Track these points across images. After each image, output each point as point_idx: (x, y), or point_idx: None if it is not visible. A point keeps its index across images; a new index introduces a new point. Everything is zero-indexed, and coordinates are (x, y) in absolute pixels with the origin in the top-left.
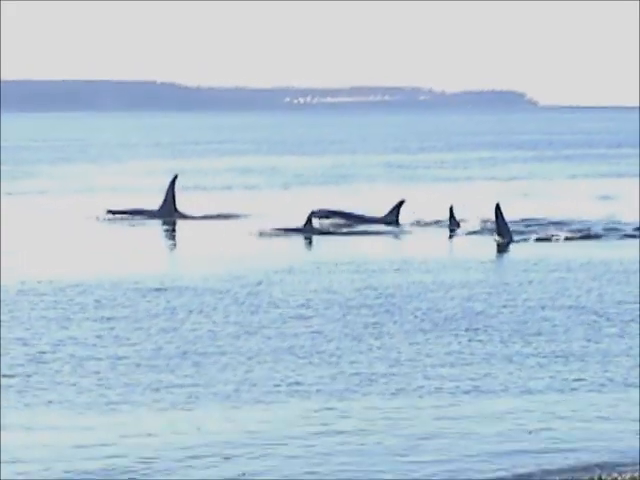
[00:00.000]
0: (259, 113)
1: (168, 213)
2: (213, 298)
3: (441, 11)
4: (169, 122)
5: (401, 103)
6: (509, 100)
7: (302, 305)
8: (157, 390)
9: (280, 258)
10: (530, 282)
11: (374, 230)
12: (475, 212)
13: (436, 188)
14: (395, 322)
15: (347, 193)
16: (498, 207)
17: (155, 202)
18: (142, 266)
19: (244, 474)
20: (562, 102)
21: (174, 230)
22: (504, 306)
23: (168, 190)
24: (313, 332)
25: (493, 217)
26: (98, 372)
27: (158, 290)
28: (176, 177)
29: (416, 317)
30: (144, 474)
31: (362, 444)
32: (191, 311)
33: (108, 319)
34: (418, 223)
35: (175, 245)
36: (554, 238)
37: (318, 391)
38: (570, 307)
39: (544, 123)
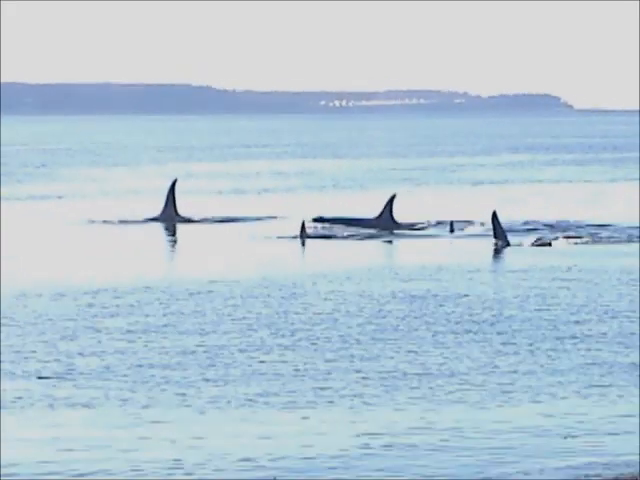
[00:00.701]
0: (295, 116)
1: (169, 218)
2: (243, 302)
3: (477, 14)
4: (205, 125)
5: (437, 106)
6: (544, 103)
7: (333, 310)
8: (184, 395)
9: (311, 262)
10: (562, 288)
11: (403, 234)
12: (512, 215)
13: (472, 191)
14: (426, 327)
15: (383, 196)
16: (495, 214)
17: (191, 204)
18: (171, 270)
19: (274, 478)
20: (597, 105)
21: (174, 235)
22: (536, 310)
23: (168, 194)
24: (342, 336)
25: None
26: (126, 375)
27: (190, 294)
28: (175, 181)
29: (448, 322)
30: (170, 475)
31: (389, 446)
32: (221, 315)
33: (138, 323)
34: (453, 227)
35: (197, 249)
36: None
37: (346, 395)
38: (604, 313)
39: (580, 126)
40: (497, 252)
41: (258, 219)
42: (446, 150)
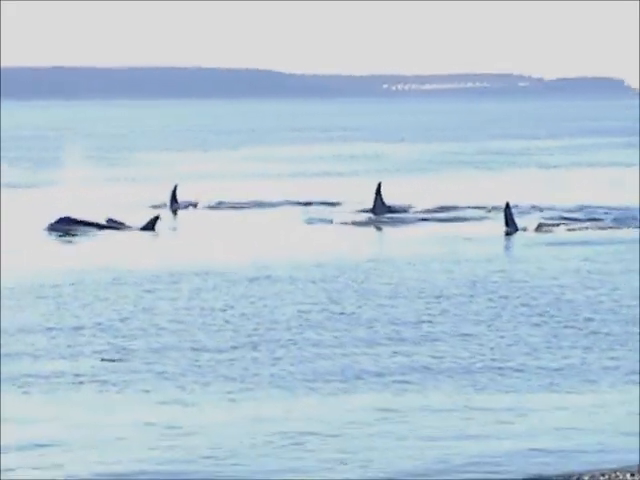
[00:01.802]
0: (356, 100)
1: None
2: (301, 286)
3: None
4: (271, 109)
5: (500, 90)
6: (608, 87)
7: (390, 295)
8: (234, 379)
9: (369, 246)
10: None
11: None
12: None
13: (537, 175)
14: (490, 312)
15: (446, 180)
16: (508, 205)
17: (257, 188)
18: (231, 254)
19: (346, 463)
20: None
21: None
22: (595, 295)
23: (171, 199)
24: (398, 321)
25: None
26: (181, 359)
27: (249, 279)
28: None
29: (510, 307)
30: (219, 462)
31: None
32: (280, 299)
33: (198, 308)
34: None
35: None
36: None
37: (396, 381)
38: None
39: None
40: (507, 236)
41: (322, 203)
42: (510, 133)
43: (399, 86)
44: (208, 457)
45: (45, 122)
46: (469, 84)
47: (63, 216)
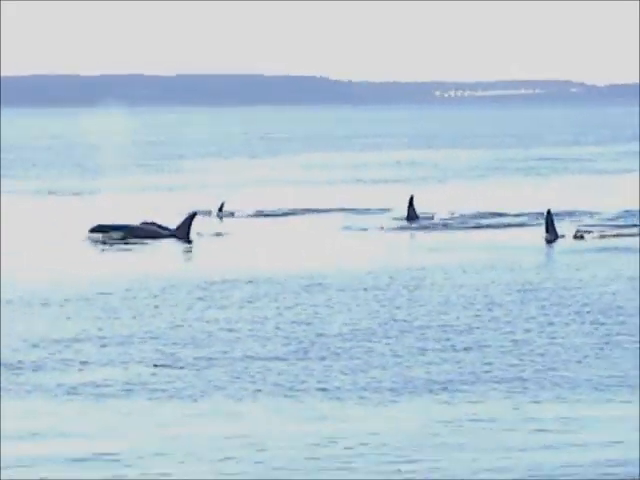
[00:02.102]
0: (410, 107)
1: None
2: (352, 294)
3: (592, 3)
4: (323, 116)
5: (552, 96)
6: None
7: (441, 302)
8: (284, 387)
9: (416, 254)
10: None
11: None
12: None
13: (585, 181)
14: (541, 319)
15: (499, 186)
16: (549, 212)
17: (302, 194)
18: (283, 262)
19: (400, 470)
20: None
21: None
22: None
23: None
24: (449, 329)
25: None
26: (230, 366)
27: (301, 287)
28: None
29: (561, 314)
30: (268, 471)
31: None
32: (331, 307)
33: (249, 315)
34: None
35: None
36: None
37: (447, 389)
38: None
39: None
40: (548, 244)
41: (362, 210)
42: (561, 140)
43: (451, 93)
44: (257, 463)
45: (92, 129)
46: (521, 90)
47: (97, 224)
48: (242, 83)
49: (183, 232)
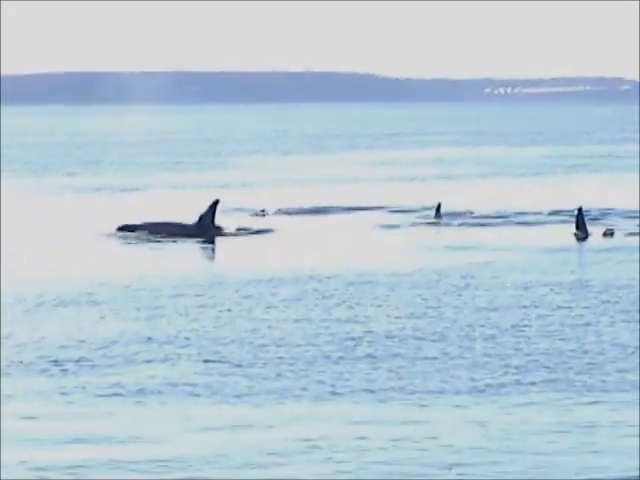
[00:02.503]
0: (459, 104)
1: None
2: (400, 292)
3: None
4: (371, 113)
5: (602, 94)
6: None
7: (489, 300)
8: (328, 386)
9: (468, 252)
10: None
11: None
12: None
13: (629, 178)
14: (590, 318)
15: (551, 184)
16: (580, 210)
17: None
18: (330, 260)
19: (451, 467)
20: None
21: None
22: None
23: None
24: (496, 327)
25: None
26: (277, 365)
27: (348, 284)
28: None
29: (609, 312)
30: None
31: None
32: (378, 305)
33: (295, 313)
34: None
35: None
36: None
37: (492, 389)
38: None
39: None
40: (579, 241)
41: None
42: (608, 137)
43: (500, 90)
44: (309, 462)
45: (136, 127)
46: (569, 88)
47: (124, 223)
48: (288, 80)
49: (205, 222)
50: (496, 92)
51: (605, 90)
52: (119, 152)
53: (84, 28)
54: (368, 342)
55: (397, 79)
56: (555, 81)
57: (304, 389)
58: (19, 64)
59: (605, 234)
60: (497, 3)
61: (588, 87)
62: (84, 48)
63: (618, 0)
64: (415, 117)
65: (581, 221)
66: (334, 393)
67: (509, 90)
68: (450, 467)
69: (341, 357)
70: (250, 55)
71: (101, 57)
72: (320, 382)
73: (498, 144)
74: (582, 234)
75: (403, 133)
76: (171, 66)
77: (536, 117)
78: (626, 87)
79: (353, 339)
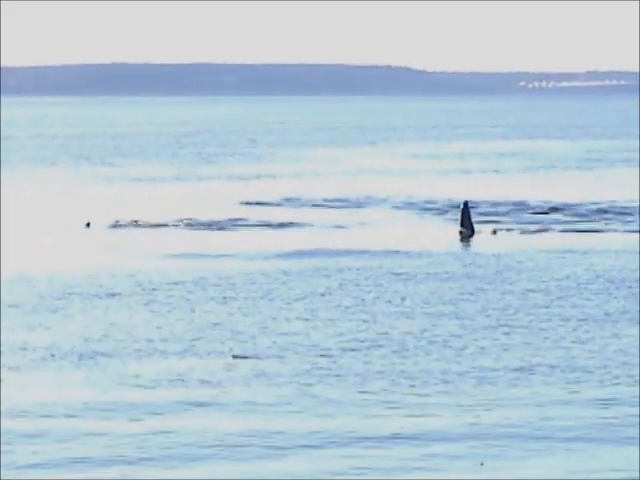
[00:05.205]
0: (494, 97)
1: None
2: (441, 284)
3: None
4: (405, 106)
5: (636, 88)
6: None
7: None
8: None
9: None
10: None
11: None
12: None
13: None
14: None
15: (598, 178)
16: (466, 204)
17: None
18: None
19: (482, 464)
20: None
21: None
22: None
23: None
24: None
25: None
26: (305, 357)
27: (386, 274)
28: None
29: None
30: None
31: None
32: (415, 297)
33: (320, 307)
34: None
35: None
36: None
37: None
38: None
39: None
40: (462, 239)
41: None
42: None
43: (536, 84)
44: (343, 458)
45: (180, 117)
46: (607, 82)
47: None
48: (323, 73)
49: None
50: (530, 86)
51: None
52: (157, 143)
53: (112, 21)
54: (398, 333)
55: (433, 72)
56: (590, 75)
57: (341, 378)
58: (57, 55)
59: (494, 232)
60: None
61: (622, 82)
62: (116, 40)
63: None
64: (451, 110)
65: (466, 218)
66: (365, 381)
67: (543, 84)
68: (482, 463)
69: (367, 347)
70: (283, 48)
71: (132, 49)
72: (351, 372)
73: (540, 138)
74: (468, 231)
75: (440, 126)
76: (202, 58)
77: (574, 111)
78: None
79: (383, 329)
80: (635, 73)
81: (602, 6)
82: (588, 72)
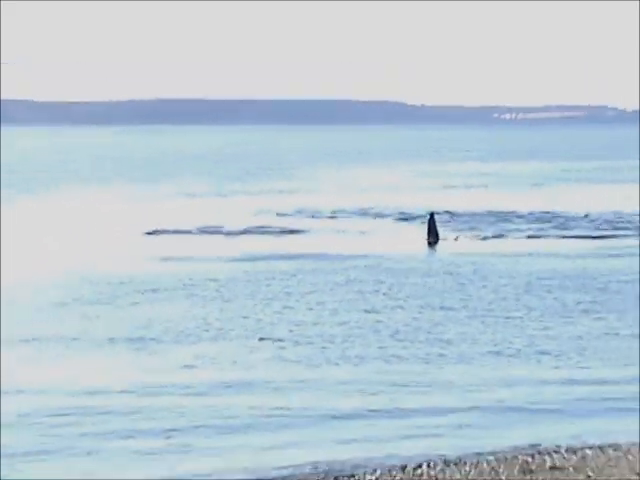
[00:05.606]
0: (471, 127)
1: None
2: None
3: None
4: (400, 134)
5: (591, 119)
6: None
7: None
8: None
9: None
10: None
11: None
12: None
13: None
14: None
15: (548, 193)
16: (432, 215)
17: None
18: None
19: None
20: None
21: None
22: None
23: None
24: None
25: None
26: (344, 343)
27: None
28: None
29: None
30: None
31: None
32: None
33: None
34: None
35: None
36: None
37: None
38: None
39: None
40: (429, 245)
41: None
42: (589, 155)
43: (507, 115)
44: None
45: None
46: (566, 113)
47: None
48: (331, 107)
49: None
50: (503, 117)
51: (594, 116)
52: (198, 164)
53: (154, 58)
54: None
55: (423, 106)
56: (551, 108)
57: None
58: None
59: (456, 239)
60: (506, 45)
61: (578, 113)
62: (170, 77)
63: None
64: (442, 138)
65: (433, 227)
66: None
67: (514, 116)
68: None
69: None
70: (298, 85)
71: (175, 85)
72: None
73: (509, 160)
74: (433, 238)
75: (433, 150)
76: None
77: (536, 139)
78: (612, 114)
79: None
80: (588, 106)
81: (562, 49)
82: (550, 105)
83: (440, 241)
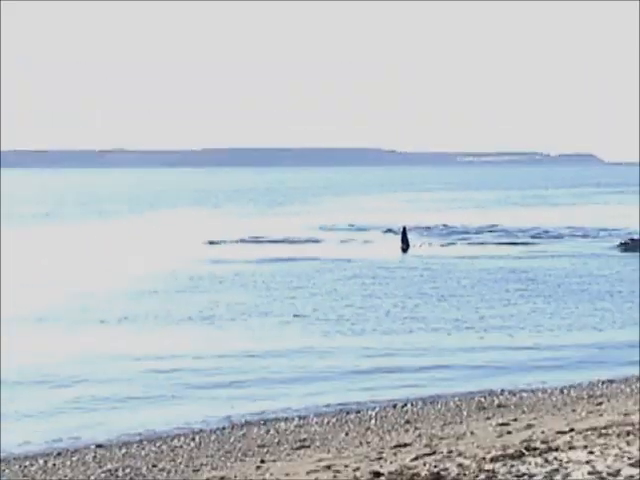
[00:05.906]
0: (439, 168)
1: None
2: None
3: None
4: (380, 174)
5: (526, 161)
6: (581, 160)
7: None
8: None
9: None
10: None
11: None
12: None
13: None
14: None
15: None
16: (404, 228)
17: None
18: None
19: None
20: None
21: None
22: None
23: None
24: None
25: None
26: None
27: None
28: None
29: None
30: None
31: None
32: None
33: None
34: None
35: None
36: None
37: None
38: None
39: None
40: (402, 250)
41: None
42: (528, 185)
43: (467, 158)
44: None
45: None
46: (506, 157)
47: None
48: (320, 153)
49: None
50: (464, 160)
51: (527, 159)
52: (246, 195)
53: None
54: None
55: (396, 151)
56: (499, 154)
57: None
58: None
59: (421, 246)
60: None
61: (517, 157)
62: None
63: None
64: (412, 175)
65: (405, 236)
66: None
67: (472, 159)
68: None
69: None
70: (306, 135)
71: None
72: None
73: (467, 190)
74: (405, 246)
75: (409, 184)
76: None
77: (487, 176)
78: (539, 157)
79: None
80: (522, 153)
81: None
82: (498, 152)
83: (410, 247)
